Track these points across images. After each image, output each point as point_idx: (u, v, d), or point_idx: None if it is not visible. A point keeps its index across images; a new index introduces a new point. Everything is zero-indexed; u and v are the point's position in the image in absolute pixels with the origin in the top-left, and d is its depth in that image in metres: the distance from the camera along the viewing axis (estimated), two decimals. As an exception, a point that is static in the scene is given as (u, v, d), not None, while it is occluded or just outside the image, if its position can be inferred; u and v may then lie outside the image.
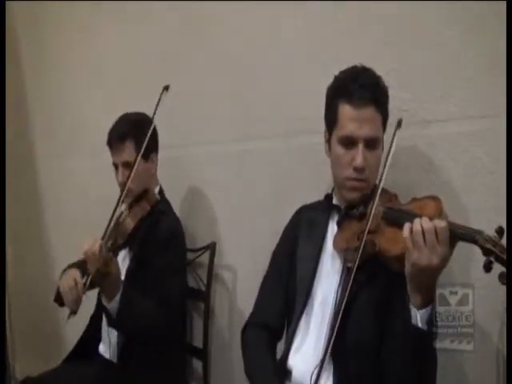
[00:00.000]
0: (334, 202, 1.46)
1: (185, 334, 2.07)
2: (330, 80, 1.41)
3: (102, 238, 1.63)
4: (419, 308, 1.12)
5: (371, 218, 1.25)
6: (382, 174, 1.28)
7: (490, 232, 1.07)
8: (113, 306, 1.66)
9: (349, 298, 1.24)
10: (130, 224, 1.85)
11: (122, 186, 1.80)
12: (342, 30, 1.68)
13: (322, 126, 1.45)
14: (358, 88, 1.32)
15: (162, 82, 1.75)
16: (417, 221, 1.11)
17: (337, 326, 1.22)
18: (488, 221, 1.28)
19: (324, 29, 1.73)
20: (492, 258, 1.05)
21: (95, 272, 1.58)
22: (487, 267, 1.05)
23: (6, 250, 2.86)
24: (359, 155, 1.32)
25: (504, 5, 1.30)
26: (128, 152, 1.89)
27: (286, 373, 1.38)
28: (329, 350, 1.23)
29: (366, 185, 1.36)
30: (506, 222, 1.16)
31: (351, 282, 1.24)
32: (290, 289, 1.46)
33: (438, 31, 1.47)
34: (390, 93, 1.39)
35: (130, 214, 1.87)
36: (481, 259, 1.07)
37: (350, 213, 1.38)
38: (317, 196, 1.55)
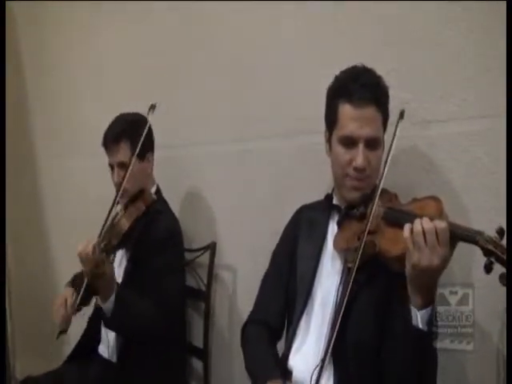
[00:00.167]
0: (334, 201, 1.46)
1: (185, 334, 2.06)
2: (330, 80, 1.41)
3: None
4: (420, 308, 1.12)
5: (371, 218, 1.25)
6: (382, 173, 1.28)
7: (491, 232, 1.07)
8: (107, 306, 1.67)
9: (349, 298, 1.24)
10: (125, 224, 1.84)
11: (118, 186, 1.80)
12: (342, 30, 1.68)
13: (322, 126, 1.44)
14: (359, 88, 1.32)
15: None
16: (417, 221, 1.11)
17: (337, 326, 1.22)
18: (488, 221, 1.28)
19: (324, 29, 1.73)
20: (493, 259, 1.05)
21: (89, 273, 1.59)
22: (488, 268, 1.05)
23: (6, 249, 2.86)
24: (360, 155, 1.32)
25: (504, 5, 1.30)
26: (123, 152, 1.88)
27: (286, 373, 1.38)
28: (329, 350, 1.23)
29: (367, 184, 1.36)
30: (507, 222, 1.16)
31: (351, 282, 1.24)
32: (290, 288, 1.46)
33: (438, 31, 1.47)
34: (390, 93, 1.39)
35: (125, 215, 1.86)
36: (481, 259, 1.07)
37: (351, 213, 1.38)
38: (317, 196, 1.55)
